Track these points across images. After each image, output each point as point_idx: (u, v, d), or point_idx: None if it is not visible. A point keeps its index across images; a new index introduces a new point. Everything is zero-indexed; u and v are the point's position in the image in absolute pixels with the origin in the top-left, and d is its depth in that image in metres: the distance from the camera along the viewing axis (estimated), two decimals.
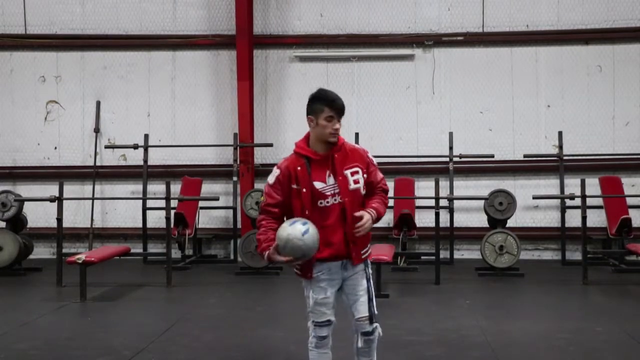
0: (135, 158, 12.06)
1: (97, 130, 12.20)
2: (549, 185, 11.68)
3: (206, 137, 12.16)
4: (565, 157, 11.39)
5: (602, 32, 11.63)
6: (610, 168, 11.50)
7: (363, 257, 4.48)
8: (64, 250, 9.77)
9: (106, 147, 12.22)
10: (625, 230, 10.26)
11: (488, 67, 11.87)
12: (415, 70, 11.96)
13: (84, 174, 12.21)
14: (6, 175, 12.30)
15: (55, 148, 12.39)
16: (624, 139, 11.62)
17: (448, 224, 11.23)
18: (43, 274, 10.51)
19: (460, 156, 11.48)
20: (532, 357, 6.19)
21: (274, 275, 10.19)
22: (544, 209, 11.67)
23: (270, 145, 11.76)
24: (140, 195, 11.75)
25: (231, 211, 11.70)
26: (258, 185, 11.60)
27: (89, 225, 11.92)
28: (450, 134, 11.53)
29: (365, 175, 4.43)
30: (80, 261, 8.55)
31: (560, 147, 11.38)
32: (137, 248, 11.46)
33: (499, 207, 10.57)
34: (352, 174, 4.40)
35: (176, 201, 10.77)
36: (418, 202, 11.24)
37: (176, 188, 11.33)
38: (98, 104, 12.27)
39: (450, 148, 11.47)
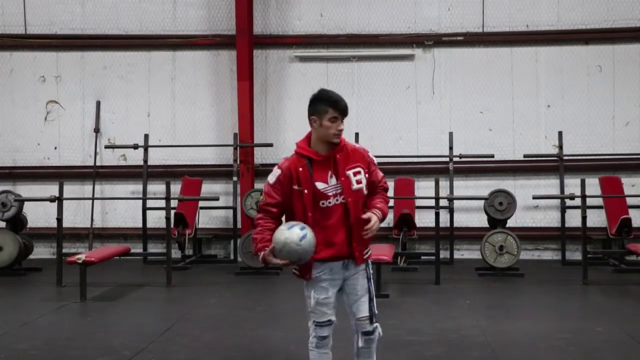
0: (135, 158, 12.06)
1: (97, 130, 12.20)
2: (549, 185, 11.68)
3: (206, 137, 12.16)
4: (565, 157, 11.38)
5: (602, 32, 11.63)
6: (610, 168, 11.50)
7: (365, 257, 4.48)
8: (64, 250, 9.77)
9: (106, 147, 12.22)
10: (625, 230, 10.26)
11: (488, 67, 11.87)
12: (415, 70, 11.96)
13: (84, 174, 12.21)
14: (6, 175, 12.30)
15: (55, 148, 12.39)
16: (624, 139, 11.62)
17: (448, 224, 11.22)
18: (43, 274, 10.51)
19: (460, 156, 11.48)
20: (532, 357, 6.19)
21: (274, 275, 10.18)
22: (544, 209, 11.67)
23: (270, 145, 11.77)
24: (140, 195, 11.75)
25: (231, 211, 11.70)
26: (258, 185, 11.60)
27: (89, 225, 11.91)
28: (450, 134, 11.53)
29: (367, 175, 4.43)
30: (80, 261, 8.54)
31: (560, 147, 11.38)
32: (137, 248, 11.46)
33: (499, 207, 10.57)
34: (355, 174, 4.38)
35: (176, 201, 10.77)
36: (418, 202, 11.24)
37: (176, 188, 11.33)
38: (98, 104, 12.27)
39: (450, 148, 11.47)
